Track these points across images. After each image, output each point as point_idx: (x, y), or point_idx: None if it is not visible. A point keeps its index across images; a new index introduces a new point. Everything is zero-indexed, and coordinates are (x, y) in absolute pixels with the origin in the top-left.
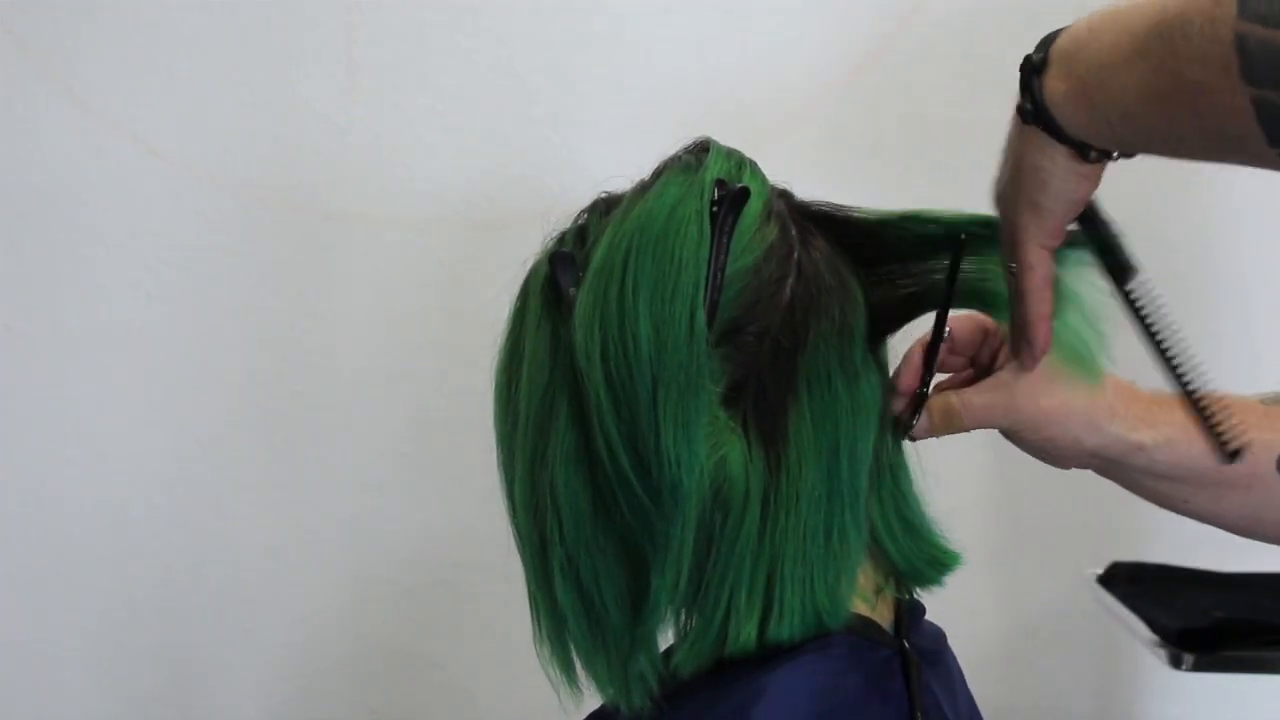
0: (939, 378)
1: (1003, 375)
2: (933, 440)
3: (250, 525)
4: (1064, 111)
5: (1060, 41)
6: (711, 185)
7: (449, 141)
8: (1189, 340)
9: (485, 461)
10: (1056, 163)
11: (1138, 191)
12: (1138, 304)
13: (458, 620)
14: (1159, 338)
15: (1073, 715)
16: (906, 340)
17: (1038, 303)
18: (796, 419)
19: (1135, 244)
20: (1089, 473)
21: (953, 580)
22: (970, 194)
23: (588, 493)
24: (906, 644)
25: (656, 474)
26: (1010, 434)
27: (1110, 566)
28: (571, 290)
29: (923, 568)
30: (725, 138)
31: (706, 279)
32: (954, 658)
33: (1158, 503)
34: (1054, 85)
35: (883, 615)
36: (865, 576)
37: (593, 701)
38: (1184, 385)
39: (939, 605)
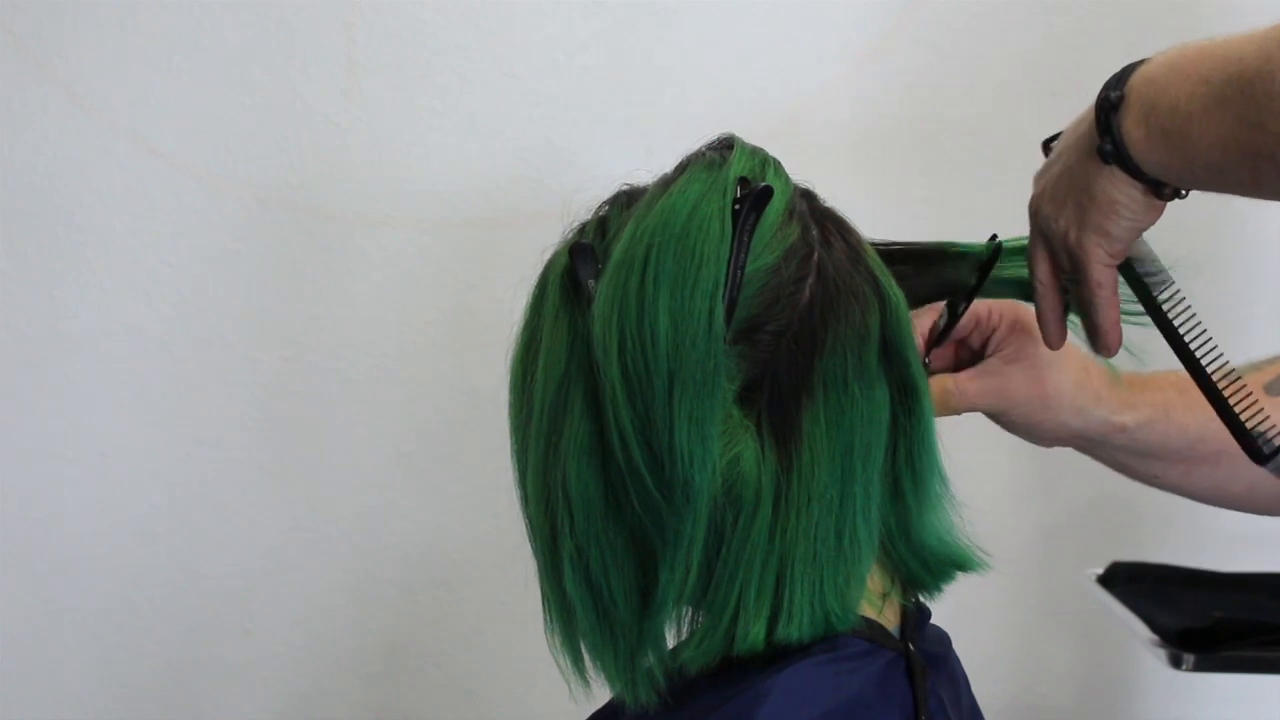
0: None
1: (993, 363)
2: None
3: (250, 525)
4: (1144, 155)
5: (1135, 82)
6: (734, 183)
7: (449, 141)
8: (1222, 341)
9: (486, 462)
10: (1133, 198)
11: None
12: (1169, 313)
13: (458, 620)
14: (1191, 347)
15: (1073, 715)
16: None
17: (1109, 310)
18: (810, 420)
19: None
20: (1089, 473)
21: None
22: (970, 192)
23: (599, 486)
24: (912, 647)
25: (669, 470)
26: (998, 417)
27: (1110, 566)
28: (590, 282)
29: (926, 578)
30: None
31: (726, 276)
32: (959, 661)
33: (1128, 475)
34: (1132, 129)
35: (889, 618)
36: (873, 580)
37: (601, 694)
38: (1218, 394)
39: (940, 606)
